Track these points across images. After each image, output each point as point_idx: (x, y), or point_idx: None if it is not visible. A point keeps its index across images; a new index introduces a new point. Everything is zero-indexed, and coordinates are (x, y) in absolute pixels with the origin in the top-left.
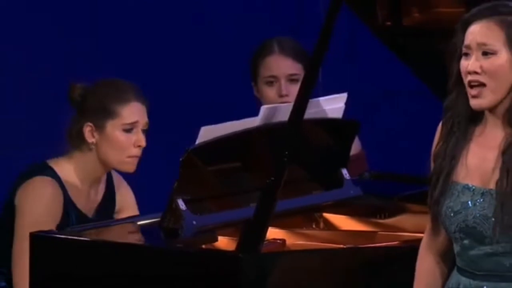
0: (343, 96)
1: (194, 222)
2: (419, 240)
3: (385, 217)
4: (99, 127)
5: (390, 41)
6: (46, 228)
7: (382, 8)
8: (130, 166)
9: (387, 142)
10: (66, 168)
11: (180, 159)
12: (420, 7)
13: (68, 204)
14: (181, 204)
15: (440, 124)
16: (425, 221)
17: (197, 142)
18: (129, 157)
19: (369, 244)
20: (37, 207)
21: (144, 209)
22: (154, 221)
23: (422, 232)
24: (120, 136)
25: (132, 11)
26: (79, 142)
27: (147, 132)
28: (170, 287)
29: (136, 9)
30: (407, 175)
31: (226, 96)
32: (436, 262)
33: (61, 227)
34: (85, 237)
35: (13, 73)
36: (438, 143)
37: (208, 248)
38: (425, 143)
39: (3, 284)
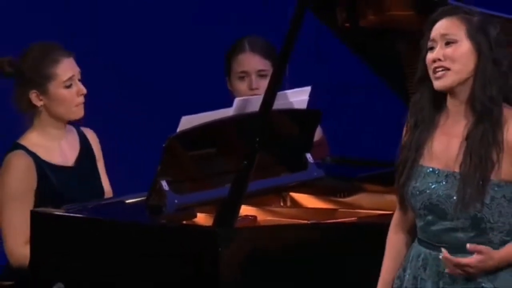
0: (307, 89)
1: (176, 201)
2: (374, 216)
3: (344, 196)
4: (43, 91)
5: (349, 40)
6: (23, 194)
7: (341, 11)
8: (78, 112)
9: (347, 130)
10: (32, 137)
11: (163, 145)
12: (374, 10)
13: (42, 166)
14: (164, 185)
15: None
16: (379, 199)
17: (178, 130)
18: (76, 106)
19: (330, 220)
20: (10, 179)
21: (133, 188)
22: (140, 200)
23: (377, 209)
24: (63, 92)
25: (132, 11)
26: (31, 109)
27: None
28: (154, 258)
29: (135, 10)
30: (363, 159)
31: (204, 90)
32: (404, 237)
33: (41, 186)
34: (78, 214)
35: None
36: (404, 135)
37: (188, 223)
38: (380, 131)
39: None
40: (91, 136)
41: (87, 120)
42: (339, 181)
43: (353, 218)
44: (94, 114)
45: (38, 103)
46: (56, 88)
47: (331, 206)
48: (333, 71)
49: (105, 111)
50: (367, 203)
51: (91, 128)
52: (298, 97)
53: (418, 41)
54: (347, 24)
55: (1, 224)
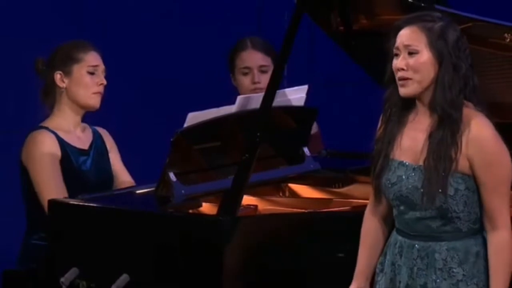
0: (305, 88)
1: (183, 191)
2: (366, 205)
3: (338, 187)
4: (67, 73)
5: (343, 43)
6: (52, 161)
7: (335, 16)
8: (95, 101)
9: (341, 125)
10: (52, 121)
11: (171, 140)
12: (366, 15)
13: (64, 145)
14: (172, 176)
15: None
16: (371, 189)
17: (184, 125)
18: (94, 93)
19: (326, 209)
20: (38, 150)
21: (143, 180)
22: (150, 190)
23: (369, 199)
24: (86, 77)
25: (138, 11)
26: (53, 92)
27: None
28: (162, 245)
29: (141, 9)
30: (356, 153)
31: (209, 86)
32: (378, 225)
33: (63, 162)
34: (92, 203)
35: (14, 74)
36: (379, 129)
37: (194, 212)
38: (371, 126)
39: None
40: (103, 132)
41: (92, 118)
42: (334, 173)
43: (347, 207)
44: (98, 112)
45: (61, 85)
46: (79, 71)
47: (326, 196)
48: (326, 71)
49: (109, 109)
50: (360, 193)
51: (97, 123)
52: (296, 95)
53: None
54: (341, 28)
55: (36, 188)
